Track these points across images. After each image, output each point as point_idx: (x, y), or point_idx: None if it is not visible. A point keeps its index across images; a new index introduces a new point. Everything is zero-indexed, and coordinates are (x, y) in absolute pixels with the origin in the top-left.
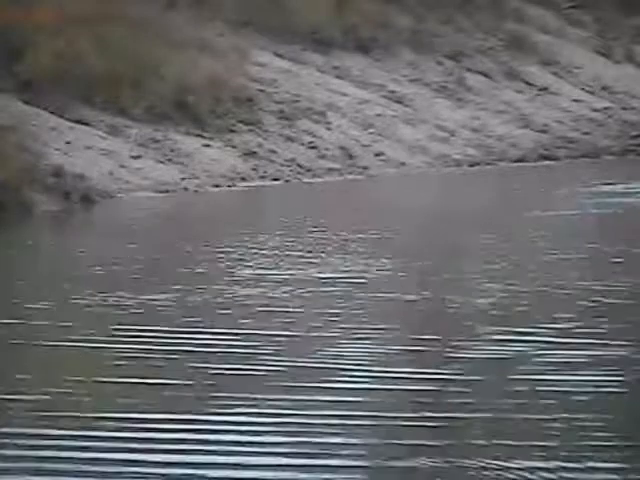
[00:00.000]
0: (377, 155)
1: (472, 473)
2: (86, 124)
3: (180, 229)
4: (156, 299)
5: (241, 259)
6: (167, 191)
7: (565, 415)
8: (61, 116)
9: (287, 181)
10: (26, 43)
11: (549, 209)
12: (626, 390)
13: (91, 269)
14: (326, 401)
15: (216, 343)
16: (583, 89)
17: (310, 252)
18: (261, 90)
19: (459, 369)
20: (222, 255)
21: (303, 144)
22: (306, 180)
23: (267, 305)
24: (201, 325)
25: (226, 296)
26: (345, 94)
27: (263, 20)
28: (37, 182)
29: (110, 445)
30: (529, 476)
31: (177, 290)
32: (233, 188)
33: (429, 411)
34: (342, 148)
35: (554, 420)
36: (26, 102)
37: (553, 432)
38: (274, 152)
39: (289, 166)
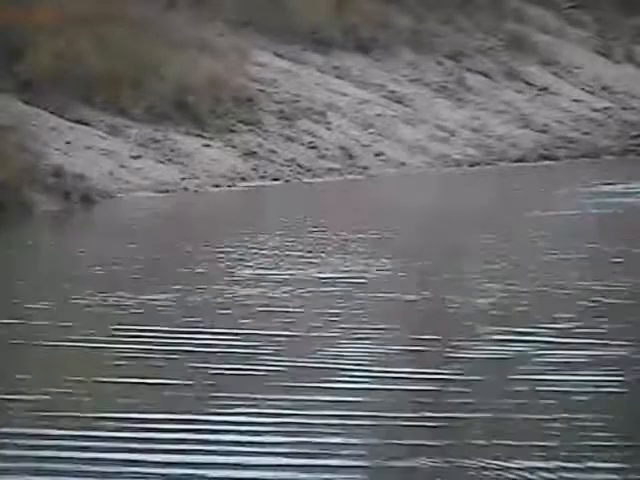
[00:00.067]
0: (377, 155)
1: (472, 473)
2: (86, 124)
3: (180, 229)
4: (156, 299)
5: (241, 259)
6: (167, 191)
7: (565, 415)
8: (61, 116)
9: (287, 181)
10: (26, 43)
11: (549, 209)
12: (626, 390)
13: (91, 269)
14: (326, 401)
15: (216, 343)
16: (583, 89)
17: (310, 252)
18: (261, 90)
19: (459, 369)
20: (222, 255)
21: (303, 144)
22: (306, 180)
23: (267, 305)
24: (201, 325)
25: (226, 296)
26: (345, 94)
27: (263, 20)
28: (37, 182)
29: (110, 445)
30: (529, 476)
31: (177, 290)
32: (233, 188)
33: (429, 411)
34: (342, 148)
35: (554, 420)
36: (26, 102)
37: (553, 432)
38: (274, 152)
39: (289, 166)
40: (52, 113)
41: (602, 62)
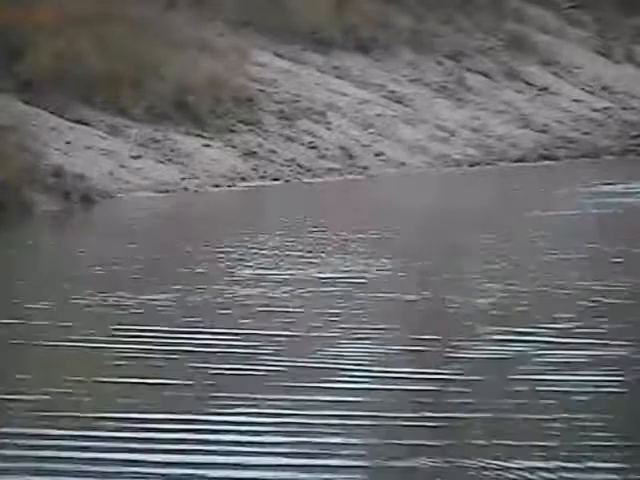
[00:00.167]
0: (377, 155)
1: (472, 473)
2: (86, 124)
3: (180, 229)
4: (156, 299)
5: (241, 259)
6: (167, 191)
7: (565, 415)
8: (61, 116)
9: (287, 181)
10: (26, 43)
11: (549, 209)
12: (626, 390)
13: (91, 269)
14: (326, 401)
15: (216, 343)
16: (583, 89)
17: (310, 252)
18: (261, 90)
19: (459, 369)
20: (222, 255)
21: (303, 144)
22: (306, 180)
23: (267, 305)
24: (201, 325)
25: (226, 296)
26: (345, 94)
27: (263, 20)
28: (37, 182)
29: (110, 445)
30: (529, 476)
31: (177, 290)
32: (233, 188)
33: (429, 411)
34: (342, 148)
35: (554, 420)
36: (26, 102)
37: (553, 432)
38: (274, 152)
39: (289, 166)
40: (52, 113)
41: (602, 62)
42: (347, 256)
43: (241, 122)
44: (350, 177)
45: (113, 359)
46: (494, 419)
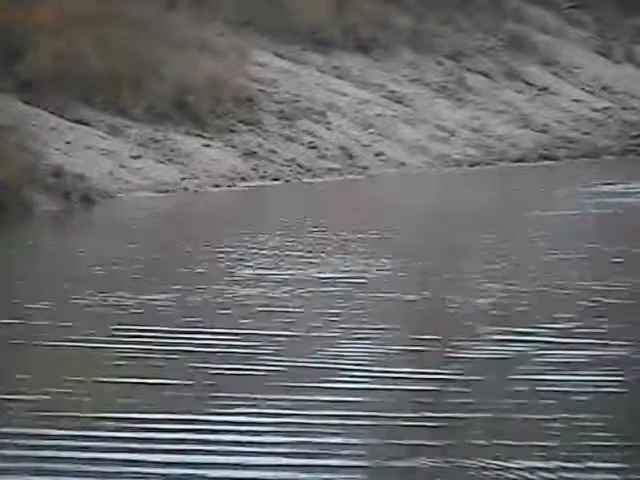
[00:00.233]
0: (377, 155)
1: (472, 473)
2: (86, 124)
3: (180, 229)
4: (156, 299)
5: (241, 259)
6: (167, 191)
7: (565, 415)
8: (61, 116)
9: (287, 181)
10: (26, 43)
11: (549, 209)
12: (626, 390)
13: (91, 269)
14: (326, 401)
15: (216, 343)
16: (583, 89)
17: (310, 252)
18: (261, 90)
19: (459, 369)
20: (222, 255)
21: (303, 144)
22: (306, 180)
23: (267, 305)
24: (201, 325)
25: (226, 296)
26: (345, 94)
27: (263, 20)
28: (37, 182)
29: (110, 445)
30: (529, 476)
31: (177, 290)
32: (233, 188)
33: (429, 411)
34: (342, 148)
35: (554, 420)
36: (26, 102)
37: (553, 432)
38: (274, 152)
39: (289, 166)
40: (52, 113)
41: (602, 62)
42: (347, 256)
43: (241, 122)
44: (350, 177)
45: (113, 359)
46: (494, 419)
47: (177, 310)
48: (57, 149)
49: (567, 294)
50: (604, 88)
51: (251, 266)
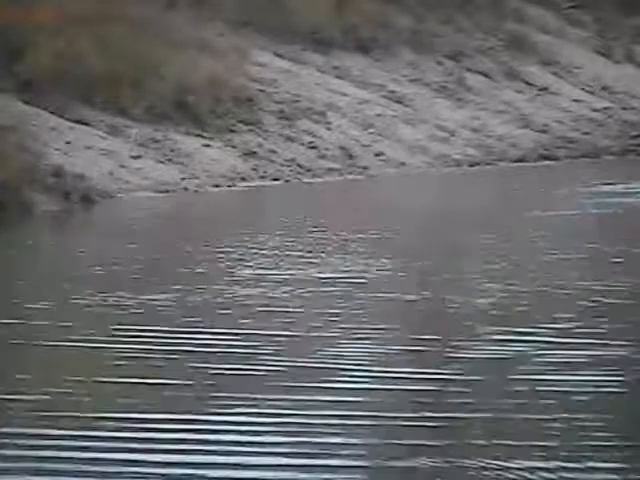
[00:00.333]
0: (377, 155)
1: (472, 473)
2: (86, 124)
3: (180, 229)
4: (156, 299)
5: (241, 259)
6: (167, 191)
7: (565, 415)
8: (61, 116)
9: (287, 181)
10: (26, 43)
11: (549, 209)
12: (626, 390)
13: (91, 269)
14: (326, 401)
15: (216, 343)
16: (583, 89)
17: (310, 252)
18: (261, 90)
19: (459, 369)
20: (222, 255)
21: (303, 144)
22: (306, 180)
23: (267, 305)
24: (201, 325)
25: (226, 296)
26: (345, 94)
27: (263, 20)
28: (37, 182)
29: (110, 445)
30: (529, 476)
31: (177, 290)
32: (233, 188)
33: (429, 411)
34: (342, 148)
35: (554, 420)
36: (26, 102)
37: (553, 432)
38: (274, 152)
39: (289, 166)
40: (52, 113)
41: (602, 62)
42: (347, 256)
43: (241, 122)
44: (350, 177)
45: (113, 359)
46: (494, 419)
47: (177, 310)
48: (57, 149)
49: (567, 294)
50: (604, 88)
51: (251, 266)
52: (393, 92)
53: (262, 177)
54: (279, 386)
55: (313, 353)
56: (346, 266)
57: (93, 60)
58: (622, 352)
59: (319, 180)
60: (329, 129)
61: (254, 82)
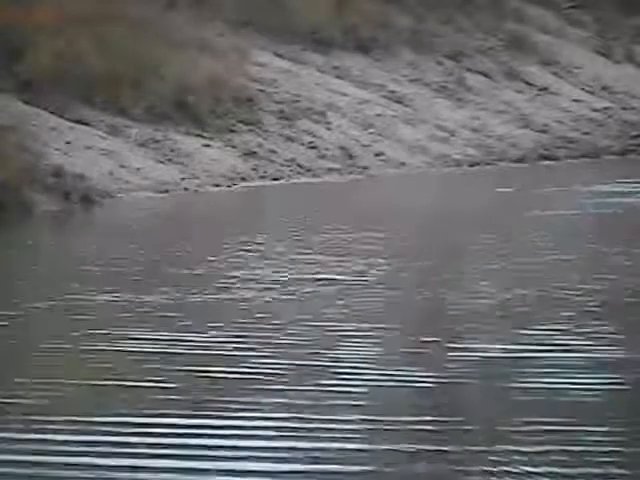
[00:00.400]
0: (377, 155)
1: (472, 477)
2: (86, 124)
3: (180, 229)
4: (156, 299)
5: (241, 260)
6: (167, 191)
7: (565, 415)
8: (61, 116)
9: (287, 181)
10: (26, 43)
11: (549, 209)
12: (626, 390)
13: (91, 269)
14: (326, 405)
15: (215, 345)
16: (583, 89)
17: (310, 252)
18: (261, 90)
19: (459, 369)
20: (222, 255)
21: (303, 144)
22: (306, 180)
23: (266, 306)
24: (200, 327)
25: (225, 297)
26: (345, 94)
27: (263, 20)
28: (37, 182)
29: (109, 450)
30: None
31: (177, 291)
32: (233, 188)
33: (429, 414)
34: (342, 148)
35: (554, 422)
36: (26, 102)
37: (553, 434)
38: (274, 152)
39: (289, 166)
40: (52, 113)
41: (602, 62)
42: (347, 256)
43: (241, 122)
44: (350, 177)
45: (111, 361)
46: (494, 421)
47: (176, 311)
48: (57, 149)
49: (567, 294)
50: (604, 88)
51: (251, 267)
52: (393, 92)
53: (262, 177)
54: (278, 389)
55: (312, 354)
56: (346, 266)
57: (93, 60)
58: (622, 352)
59: (319, 180)
60: (329, 129)
61: (254, 82)
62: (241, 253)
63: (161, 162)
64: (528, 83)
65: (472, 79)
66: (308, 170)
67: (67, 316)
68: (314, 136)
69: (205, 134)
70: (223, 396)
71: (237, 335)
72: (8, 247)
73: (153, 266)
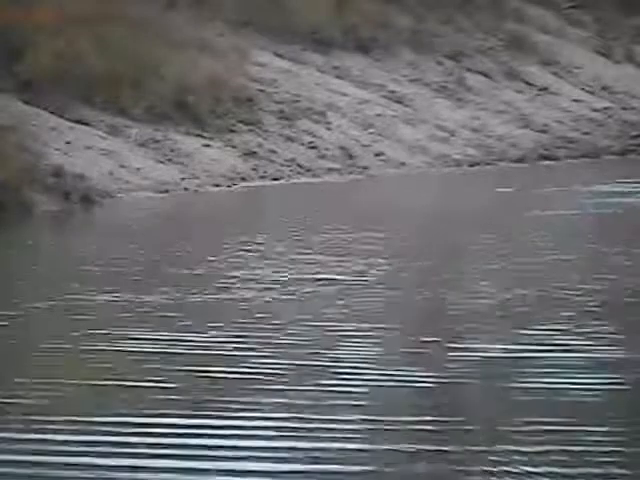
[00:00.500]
0: (377, 155)
1: (473, 477)
2: (86, 124)
3: (180, 229)
4: (156, 299)
5: (240, 260)
6: (167, 191)
7: (565, 415)
8: (61, 116)
9: (287, 181)
10: (26, 43)
11: (549, 209)
12: (626, 390)
13: (91, 269)
14: (326, 405)
15: (215, 345)
16: (583, 89)
17: (310, 252)
18: (261, 90)
19: (459, 369)
20: (221, 255)
21: (303, 144)
22: (306, 180)
23: (266, 306)
24: (200, 327)
25: (225, 297)
26: (345, 94)
27: (263, 20)
28: (37, 182)
29: (109, 450)
30: None
31: (177, 290)
32: (233, 188)
33: (429, 414)
34: (342, 148)
35: (554, 422)
36: (26, 102)
37: (553, 434)
38: (274, 152)
39: (289, 166)
40: (52, 113)
41: (602, 62)
42: (347, 256)
43: (241, 122)
44: (350, 177)
45: (112, 361)
46: (494, 421)
47: (176, 311)
48: (57, 149)
49: (567, 294)
50: (604, 88)
51: (251, 267)
52: (393, 92)
53: (262, 177)
54: (278, 389)
55: (312, 354)
56: (346, 266)
57: (93, 60)
58: (622, 352)
59: (319, 180)
60: (329, 129)
61: (254, 82)
62: (241, 253)
63: (161, 162)
64: (528, 83)
65: (472, 79)
66: (308, 170)
67: (67, 316)
68: (314, 136)
69: (205, 134)
70: (223, 396)
71: (237, 335)
72: (8, 247)
73: (153, 266)
